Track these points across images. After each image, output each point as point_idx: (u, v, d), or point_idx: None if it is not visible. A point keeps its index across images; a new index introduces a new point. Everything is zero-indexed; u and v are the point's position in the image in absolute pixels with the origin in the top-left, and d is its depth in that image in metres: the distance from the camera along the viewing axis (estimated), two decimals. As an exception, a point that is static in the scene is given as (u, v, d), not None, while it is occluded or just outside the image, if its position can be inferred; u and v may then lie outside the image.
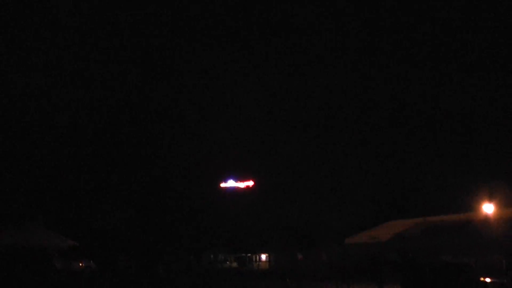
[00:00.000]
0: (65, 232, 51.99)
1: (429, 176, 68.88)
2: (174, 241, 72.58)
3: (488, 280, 26.07)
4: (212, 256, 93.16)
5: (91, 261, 54.62)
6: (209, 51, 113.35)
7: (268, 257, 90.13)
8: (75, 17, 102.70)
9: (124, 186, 69.13)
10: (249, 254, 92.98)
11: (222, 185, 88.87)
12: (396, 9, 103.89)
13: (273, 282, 48.84)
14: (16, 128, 63.57)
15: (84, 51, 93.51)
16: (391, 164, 79.92)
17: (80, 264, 52.48)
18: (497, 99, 79.62)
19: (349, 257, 51.57)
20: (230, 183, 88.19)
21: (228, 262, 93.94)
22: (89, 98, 73.14)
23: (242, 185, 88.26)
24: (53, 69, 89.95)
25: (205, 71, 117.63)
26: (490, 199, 33.26)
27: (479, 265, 31.66)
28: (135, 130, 75.50)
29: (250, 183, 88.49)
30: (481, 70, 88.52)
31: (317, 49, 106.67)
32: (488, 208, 31.47)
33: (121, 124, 73.55)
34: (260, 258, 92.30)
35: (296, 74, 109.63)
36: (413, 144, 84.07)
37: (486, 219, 28.89)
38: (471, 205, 36.54)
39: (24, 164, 62.28)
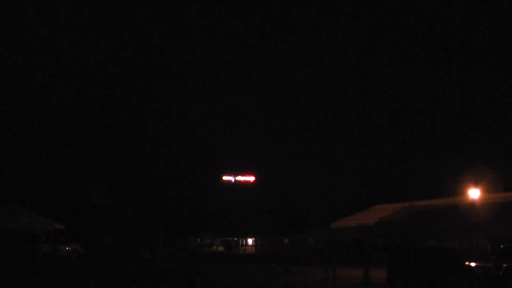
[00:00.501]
0: (51, 216, 51.80)
1: (416, 161, 69.21)
2: (161, 224, 72.44)
3: (473, 264, 26.24)
4: (198, 240, 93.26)
5: (78, 245, 54.36)
6: (210, 51, 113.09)
7: (255, 241, 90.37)
8: (75, 16, 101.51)
9: (111, 168, 68.87)
10: (236, 238, 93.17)
11: (225, 178, 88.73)
12: (395, 9, 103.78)
13: (259, 266, 48.98)
14: (12, 120, 63.27)
15: (85, 50, 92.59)
16: (378, 150, 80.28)
17: (67, 248, 52.18)
18: (483, 88, 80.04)
19: (336, 241, 51.75)
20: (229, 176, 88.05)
21: (214, 246, 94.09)
22: (90, 93, 72.62)
23: (242, 178, 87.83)
24: (55, 67, 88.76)
25: (206, 69, 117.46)
26: (476, 184, 33.39)
27: (464, 249, 31.85)
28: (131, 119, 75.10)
29: (251, 178, 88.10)
30: (466, 59, 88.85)
31: (316, 48, 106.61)
32: (474, 193, 31.61)
33: (117, 112, 73.18)
34: (246, 242, 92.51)
35: (295, 73, 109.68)
36: (401, 130, 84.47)
37: (471, 204, 29.04)
38: (457, 190, 36.76)
39: (15, 152, 62.02)
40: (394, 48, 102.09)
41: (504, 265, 25.38)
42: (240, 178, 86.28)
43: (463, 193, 34.38)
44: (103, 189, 66.53)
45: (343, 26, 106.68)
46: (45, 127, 64.77)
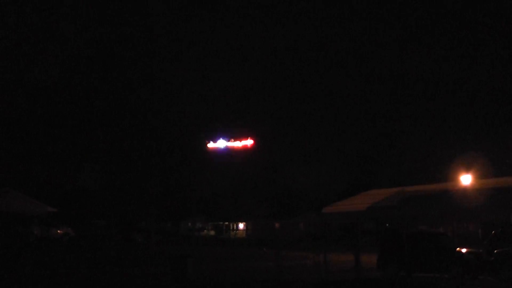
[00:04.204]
0: (43, 198, 51.60)
1: (408, 146, 69.22)
2: (152, 207, 72.04)
3: (464, 250, 26.26)
4: (189, 224, 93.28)
5: (69, 228, 54.28)
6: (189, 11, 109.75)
7: (246, 226, 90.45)
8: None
9: (102, 148, 68.16)
10: (227, 223, 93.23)
11: (210, 145, 78.85)
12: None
13: (250, 250, 49.13)
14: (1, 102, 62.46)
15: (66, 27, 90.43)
16: (371, 135, 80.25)
17: (59, 231, 52.09)
18: (475, 73, 79.98)
19: (327, 226, 51.80)
20: (220, 143, 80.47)
21: (205, 230, 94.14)
22: (80, 73, 71.48)
23: (237, 144, 79.08)
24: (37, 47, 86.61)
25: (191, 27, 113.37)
26: (468, 170, 33.43)
27: (455, 234, 31.94)
28: (113, 88, 73.49)
29: (249, 142, 79.08)
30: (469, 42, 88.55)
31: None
32: (465, 179, 31.62)
33: (99, 84, 71.84)
34: (237, 226, 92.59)
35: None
36: (393, 115, 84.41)
37: (463, 190, 29.03)
38: (449, 176, 36.81)
39: (7, 135, 61.51)
40: (384, 30, 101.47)
41: (495, 251, 25.42)
42: (235, 143, 77.28)
43: (454, 178, 34.43)
44: (96, 171, 66.16)
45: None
46: (35, 109, 64.24)
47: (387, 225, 48.38)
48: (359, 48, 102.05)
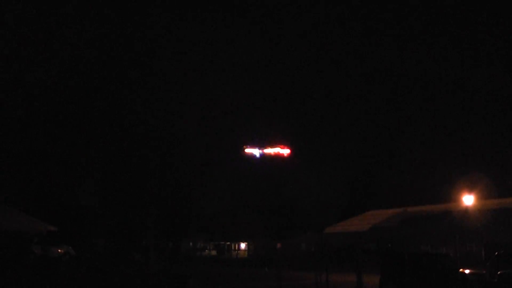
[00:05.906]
0: (41, 216, 51.36)
1: (409, 167, 69.05)
2: (152, 226, 71.73)
3: (467, 271, 26.11)
4: (191, 243, 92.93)
5: (70, 247, 54.09)
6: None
7: (247, 246, 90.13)
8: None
9: (101, 162, 67.72)
10: (228, 242, 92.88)
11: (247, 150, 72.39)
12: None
13: (252, 270, 48.95)
14: None
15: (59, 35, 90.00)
16: (372, 155, 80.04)
17: (59, 250, 51.88)
18: (477, 93, 79.87)
19: (328, 247, 51.67)
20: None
21: (207, 250, 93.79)
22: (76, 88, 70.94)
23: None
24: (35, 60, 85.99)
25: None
26: (470, 190, 33.34)
27: (458, 255, 31.79)
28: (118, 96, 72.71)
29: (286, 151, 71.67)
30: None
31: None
32: (468, 200, 31.53)
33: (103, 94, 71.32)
34: (239, 246, 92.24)
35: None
36: (395, 135, 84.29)
37: (465, 210, 28.94)
38: (451, 196, 36.71)
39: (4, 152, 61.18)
40: (384, 30, 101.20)
41: (498, 272, 25.26)
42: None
43: (457, 199, 34.35)
44: (91, 187, 65.72)
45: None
46: (30, 125, 63.92)
47: (389, 245, 48.21)
48: (359, 48, 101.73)
